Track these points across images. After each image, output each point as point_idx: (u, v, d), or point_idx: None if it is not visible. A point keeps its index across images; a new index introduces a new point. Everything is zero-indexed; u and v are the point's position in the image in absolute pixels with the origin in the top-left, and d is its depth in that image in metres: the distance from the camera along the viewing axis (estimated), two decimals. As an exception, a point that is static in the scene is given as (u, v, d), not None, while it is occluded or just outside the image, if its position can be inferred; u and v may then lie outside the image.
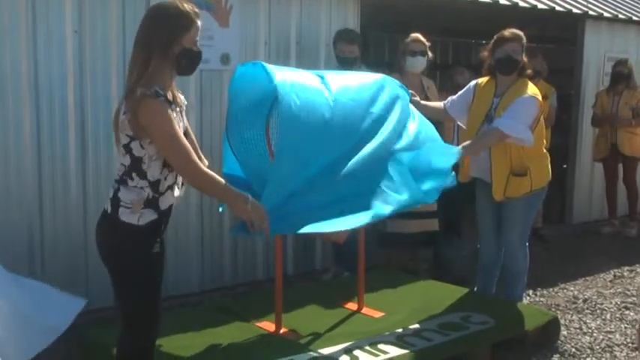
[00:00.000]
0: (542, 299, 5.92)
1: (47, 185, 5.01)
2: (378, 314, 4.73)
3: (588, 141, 8.79)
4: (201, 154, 3.34)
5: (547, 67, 7.73)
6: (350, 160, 3.95)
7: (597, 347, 4.90)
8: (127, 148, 3.12)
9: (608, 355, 4.80)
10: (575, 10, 8.30)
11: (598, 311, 5.66)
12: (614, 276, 6.74)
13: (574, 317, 5.49)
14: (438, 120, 5.32)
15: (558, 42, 9.92)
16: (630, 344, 4.95)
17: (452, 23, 9.07)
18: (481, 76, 5.32)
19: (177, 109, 3.24)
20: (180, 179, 3.29)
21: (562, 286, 6.33)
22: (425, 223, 6.10)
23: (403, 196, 4.12)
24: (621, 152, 8.31)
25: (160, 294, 3.36)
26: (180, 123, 3.19)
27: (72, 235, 5.10)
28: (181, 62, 3.19)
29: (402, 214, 4.65)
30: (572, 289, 6.26)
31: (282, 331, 4.36)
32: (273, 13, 6.01)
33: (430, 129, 4.68)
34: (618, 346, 4.93)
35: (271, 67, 3.83)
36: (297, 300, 4.88)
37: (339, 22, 6.36)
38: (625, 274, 6.82)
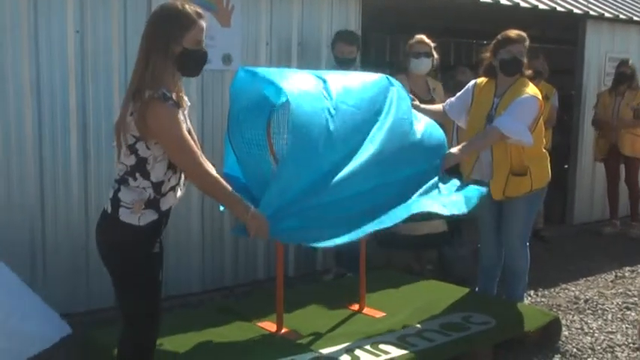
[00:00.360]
0: (543, 299, 5.92)
1: (49, 186, 5.01)
2: (379, 314, 4.73)
3: (589, 141, 8.79)
4: (204, 155, 3.35)
5: (548, 68, 7.73)
6: (352, 168, 3.95)
7: (598, 348, 4.90)
8: (133, 149, 3.12)
9: (609, 355, 4.80)
10: (576, 11, 8.30)
11: (599, 312, 5.66)
12: (616, 276, 6.73)
13: (575, 317, 5.49)
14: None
15: (559, 42, 9.92)
16: (631, 344, 4.95)
17: (453, 24, 9.08)
18: (480, 76, 5.32)
19: (184, 111, 3.25)
20: (182, 181, 3.30)
21: (563, 286, 6.33)
22: (433, 225, 6.10)
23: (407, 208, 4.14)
24: (622, 153, 8.32)
25: (161, 294, 3.36)
26: (183, 124, 3.19)
27: (73, 236, 5.10)
28: (183, 63, 3.19)
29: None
30: (573, 289, 6.26)
31: (283, 331, 4.35)
32: (275, 14, 6.01)
33: (436, 130, 4.71)
34: (619, 346, 4.93)
35: (274, 75, 3.83)
36: (299, 300, 4.88)
37: (341, 23, 6.37)
38: (626, 274, 6.82)
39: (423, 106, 5.14)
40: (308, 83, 4.00)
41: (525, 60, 5.09)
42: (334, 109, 3.94)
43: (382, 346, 4.18)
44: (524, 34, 5.10)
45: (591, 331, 5.22)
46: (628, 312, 5.67)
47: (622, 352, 4.83)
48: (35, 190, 4.97)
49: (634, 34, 9.16)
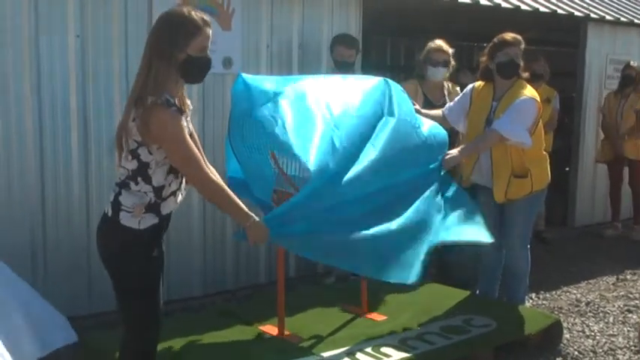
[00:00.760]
0: (544, 302, 5.92)
1: (50, 187, 5.02)
2: (380, 317, 4.73)
3: (591, 144, 8.79)
4: (205, 159, 3.36)
5: (549, 71, 7.73)
6: (355, 172, 3.96)
7: (600, 350, 4.90)
8: (135, 154, 3.13)
9: (610, 358, 4.79)
10: (577, 13, 8.31)
11: (601, 314, 5.65)
12: (617, 279, 6.73)
13: (577, 320, 5.49)
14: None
15: (560, 45, 9.92)
16: (633, 347, 4.95)
17: (453, 26, 9.07)
18: (478, 79, 5.33)
19: (187, 117, 3.26)
20: (183, 185, 3.31)
21: (565, 289, 6.33)
22: None
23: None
24: (626, 156, 8.33)
25: (160, 297, 3.36)
26: (186, 130, 3.20)
27: (74, 237, 5.11)
28: (187, 70, 3.18)
29: None
30: (574, 292, 6.26)
31: (284, 334, 4.36)
32: (275, 17, 6.02)
33: (439, 130, 4.72)
34: (621, 349, 4.93)
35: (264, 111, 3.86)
36: (300, 303, 4.89)
37: (341, 26, 6.37)
38: (628, 277, 6.82)
39: (423, 111, 5.14)
40: (306, 103, 4.01)
41: (522, 62, 5.09)
42: (336, 126, 3.94)
43: (383, 349, 4.18)
44: (519, 36, 5.11)
45: (593, 333, 5.22)
46: (629, 315, 5.67)
47: (623, 355, 4.83)
48: (36, 190, 4.97)
49: (635, 36, 9.16)
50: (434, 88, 6.07)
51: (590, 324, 5.42)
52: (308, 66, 6.13)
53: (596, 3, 9.06)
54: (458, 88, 6.40)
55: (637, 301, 6.03)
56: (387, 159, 4.14)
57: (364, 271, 4.21)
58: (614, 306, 5.87)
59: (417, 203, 4.27)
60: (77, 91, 5.06)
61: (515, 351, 4.64)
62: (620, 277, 6.80)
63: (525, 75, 5.12)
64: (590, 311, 5.72)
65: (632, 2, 9.92)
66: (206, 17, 3.22)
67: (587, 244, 8.13)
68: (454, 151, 4.82)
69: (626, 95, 8.27)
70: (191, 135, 3.28)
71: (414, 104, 4.84)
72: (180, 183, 3.28)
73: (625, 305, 5.89)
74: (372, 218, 3.97)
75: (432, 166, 4.61)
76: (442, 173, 4.69)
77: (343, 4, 6.41)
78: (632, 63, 8.32)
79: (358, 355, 4.11)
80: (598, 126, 8.72)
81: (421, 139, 4.49)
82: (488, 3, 7.38)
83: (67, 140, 5.05)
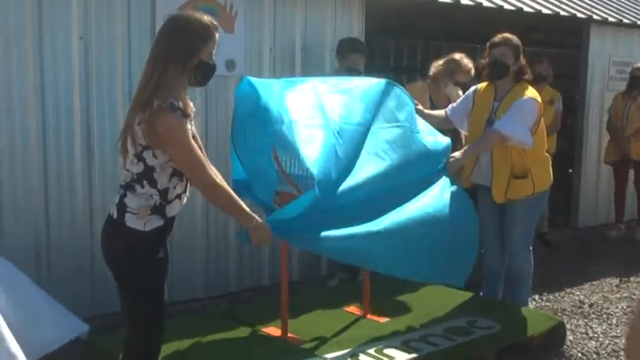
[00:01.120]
0: (547, 304, 5.92)
1: (53, 188, 5.03)
2: (383, 319, 4.74)
3: (594, 145, 8.79)
4: (209, 162, 3.36)
5: (552, 72, 7.73)
6: (356, 176, 3.98)
7: (603, 352, 4.90)
8: (140, 157, 3.14)
9: (614, 359, 4.79)
10: (579, 15, 8.30)
11: (604, 316, 5.65)
12: (621, 280, 6.72)
13: (580, 322, 5.49)
14: (447, 128, 5.31)
15: (563, 47, 9.92)
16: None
17: (456, 28, 9.08)
18: (482, 80, 5.35)
19: (191, 121, 3.27)
20: (187, 188, 3.32)
21: (568, 290, 6.33)
22: None
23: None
24: (631, 158, 8.32)
25: (164, 299, 3.37)
26: (190, 133, 3.21)
27: (78, 239, 5.12)
28: (197, 75, 3.21)
29: None
30: (578, 293, 6.26)
31: (287, 336, 4.36)
32: (278, 19, 6.02)
33: (440, 135, 4.73)
34: (624, 350, 4.92)
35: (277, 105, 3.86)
36: (303, 306, 4.89)
37: (344, 29, 6.37)
38: (631, 278, 6.81)
39: (426, 111, 5.15)
40: (308, 108, 4.02)
41: (521, 62, 5.09)
42: (339, 133, 3.95)
43: (386, 351, 4.19)
44: (510, 36, 5.11)
45: (596, 335, 5.21)
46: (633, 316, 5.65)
47: (627, 357, 4.82)
48: (40, 192, 4.98)
49: (638, 38, 9.16)
50: (441, 95, 6.09)
51: (594, 326, 5.41)
52: (311, 69, 6.14)
53: (599, 4, 9.06)
54: (460, 92, 6.41)
55: (640, 303, 6.01)
56: (388, 165, 4.16)
57: (366, 263, 4.22)
58: (617, 307, 5.87)
59: (418, 204, 4.30)
60: (80, 92, 5.07)
61: (519, 353, 4.64)
62: (624, 278, 6.79)
63: (527, 76, 5.13)
64: (593, 313, 5.72)
65: (635, 4, 9.92)
66: (215, 22, 3.24)
67: (591, 246, 8.13)
68: (457, 154, 4.83)
69: (633, 97, 8.27)
70: (194, 137, 3.29)
71: (416, 104, 4.85)
72: (185, 186, 3.29)
73: (628, 307, 5.89)
74: (371, 218, 4.00)
75: (435, 170, 4.62)
76: (447, 177, 4.70)
77: (346, 7, 6.41)
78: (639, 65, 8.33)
79: (361, 356, 4.11)
80: (601, 127, 8.72)
81: (422, 143, 4.50)
82: (491, 5, 7.39)
83: (70, 141, 5.06)
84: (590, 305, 5.91)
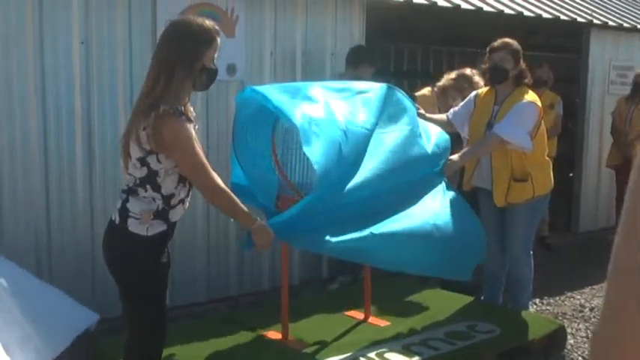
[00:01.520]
0: (548, 308, 5.92)
1: (54, 191, 5.04)
2: (384, 323, 4.73)
3: (594, 149, 8.79)
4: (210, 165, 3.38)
5: (553, 77, 7.74)
6: (357, 179, 3.99)
7: (604, 356, 4.88)
8: (144, 162, 3.14)
9: (614, 363, 4.78)
10: (580, 19, 8.31)
11: (605, 320, 5.64)
12: (621, 284, 6.71)
13: (581, 326, 5.49)
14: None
15: (563, 51, 9.94)
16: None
17: (457, 32, 9.10)
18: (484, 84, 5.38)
19: (196, 126, 3.29)
20: (190, 193, 3.33)
21: (568, 294, 6.32)
22: None
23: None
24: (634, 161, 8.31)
25: (166, 303, 3.38)
26: (194, 137, 3.22)
27: (79, 242, 5.13)
28: (200, 79, 3.22)
29: None
30: (578, 297, 6.26)
31: (288, 340, 4.36)
32: (279, 24, 6.04)
33: (441, 136, 4.73)
34: (625, 354, 4.92)
35: (285, 103, 3.84)
36: (304, 309, 4.89)
37: (345, 33, 6.39)
38: (632, 282, 6.80)
39: (428, 115, 5.16)
40: (317, 106, 4.02)
41: (521, 66, 5.10)
42: (345, 134, 3.97)
43: (387, 355, 4.18)
44: (509, 41, 5.13)
45: (597, 339, 5.20)
46: (633, 320, 5.66)
47: (628, 361, 4.82)
48: (41, 195, 4.99)
49: (638, 42, 9.16)
50: (448, 107, 6.12)
51: (595, 330, 5.40)
52: (311, 73, 6.15)
53: (599, 9, 9.07)
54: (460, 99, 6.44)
55: (641, 307, 6.01)
56: (389, 168, 4.17)
57: (369, 260, 4.22)
58: (618, 311, 5.86)
59: (418, 206, 4.33)
60: (81, 94, 5.09)
61: (519, 357, 4.63)
62: (624, 282, 6.78)
63: (527, 80, 5.14)
64: (594, 317, 5.72)
65: (635, 8, 9.93)
66: (217, 26, 3.26)
67: (591, 250, 8.12)
68: (455, 157, 4.83)
69: (636, 102, 8.27)
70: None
71: (418, 108, 4.85)
72: (188, 190, 3.31)
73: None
74: (373, 216, 4.02)
75: (433, 171, 4.63)
76: (443, 180, 4.71)
77: (347, 12, 6.43)
78: None
79: (362, 360, 4.12)
80: (602, 131, 8.72)
81: (422, 147, 4.51)
82: (491, 9, 7.40)
83: (71, 143, 5.07)
84: (591, 309, 5.91)
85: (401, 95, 4.57)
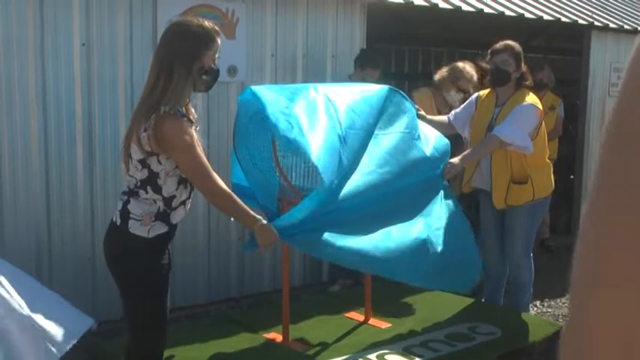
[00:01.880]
0: (549, 310, 5.91)
1: (55, 196, 5.04)
2: (385, 325, 4.74)
3: (595, 151, 8.78)
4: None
5: (554, 79, 7.74)
6: (356, 181, 4.00)
7: (604, 358, 4.88)
8: (144, 163, 3.15)
9: (615, 365, 4.77)
10: (580, 21, 8.31)
11: (605, 322, 5.63)
12: (622, 286, 6.70)
13: (581, 328, 5.47)
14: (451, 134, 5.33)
15: (564, 53, 9.94)
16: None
17: (459, 34, 9.10)
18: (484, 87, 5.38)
19: (197, 127, 3.29)
20: (192, 194, 3.33)
21: (569, 296, 6.30)
22: None
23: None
24: None
25: (167, 305, 3.38)
26: (195, 139, 3.23)
27: (79, 246, 5.12)
28: (201, 80, 3.22)
29: None
30: (579, 299, 6.24)
31: (289, 341, 4.36)
32: (280, 26, 6.04)
33: (441, 140, 4.74)
34: (626, 356, 4.91)
35: (279, 115, 3.84)
36: (304, 311, 4.89)
37: (346, 35, 6.39)
38: (632, 284, 6.79)
39: (429, 117, 5.16)
40: (315, 112, 4.02)
41: (522, 69, 5.10)
42: (344, 139, 3.97)
43: (388, 357, 4.18)
44: (511, 43, 5.12)
45: (597, 341, 5.19)
46: (634, 322, 5.65)
47: (628, 363, 4.81)
48: (41, 199, 4.99)
49: (639, 44, 9.15)
50: (444, 103, 6.14)
51: (595, 332, 5.39)
52: (312, 74, 6.15)
53: (600, 11, 9.07)
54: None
55: (642, 309, 6.00)
56: (388, 170, 4.18)
57: (367, 268, 4.23)
58: (618, 313, 5.85)
59: (418, 209, 4.34)
60: (82, 97, 5.08)
61: (520, 359, 4.63)
62: (625, 284, 6.77)
63: (528, 82, 5.14)
64: (594, 319, 5.70)
65: (636, 10, 9.93)
66: (216, 27, 3.26)
67: (592, 252, 8.10)
68: (455, 160, 4.83)
69: None
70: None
71: (418, 110, 4.86)
72: (190, 192, 3.30)
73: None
74: (373, 221, 4.02)
75: (433, 174, 4.63)
76: (444, 184, 4.72)
77: (347, 13, 6.43)
78: None
79: (363, 362, 4.12)
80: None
81: (421, 149, 4.52)
82: (492, 11, 7.40)
83: (71, 146, 5.07)
84: (592, 311, 5.89)
85: (402, 97, 4.57)
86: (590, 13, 8.68)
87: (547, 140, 5.32)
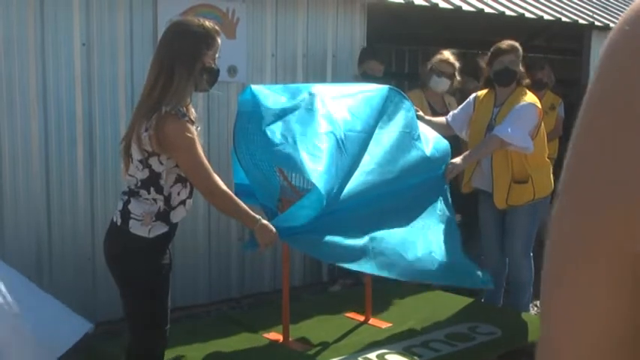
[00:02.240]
0: (549, 310, 5.89)
1: (55, 196, 5.04)
2: (385, 325, 4.74)
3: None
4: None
5: (554, 78, 7.73)
6: (355, 182, 4.00)
7: (605, 358, 4.88)
8: (146, 164, 3.15)
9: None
10: (581, 21, 8.31)
11: (606, 322, 5.62)
12: (622, 286, 6.70)
13: (582, 328, 5.46)
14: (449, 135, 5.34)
15: (564, 53, 9.93)
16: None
17: (459, 34, 9.10)
18: (481, 87, 5.38)
19: (198, 127, 3.29)
20: (192, 194, 3.34)
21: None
22: None
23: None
24: None
25: (168, 304, 3.38)
26: (196, 139, 3.23)
27: (79, 246, 5.13)
28: (202, 80, 3.22)
29: None
30: (579, 299, 6.23)
31: (289, 341, 4.36)
32: (280, 25, 6.04)
33: (440, 141, 4.74)
34: (626, 356, 4.91)
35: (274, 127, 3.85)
36: (305, 311, 4.89)
37: (346, 35, 6.39)
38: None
39: (427, 118, 5.17)
40: (322, 123, 4.02)
41: (520, 69, 5.11)
42: (343, 141, 3.97)
43: (388, 357, 4.18)
44: (515, 44, 5.14)
45: (598, 341, 5.19)
46: (635, 322, 5.64)
47: (629, 362, 4.81)
48: (42, 199, 4.99)
49: (639, 44, 9.15)
50: (435, 97, 6.15)
51: (595, 331, 5.39)
52: (312, 74, 6.15)
53: (601, 10, 9.07)
54: (454, 98, 6.45)
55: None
56: (389, 171, 4.19)
57: (365, 268, 4.24)
58: (619, 313, 5.84)
59: (418, 210, 4.34)
60: (82, 98, 5.09)
61: (520, 359, 4.63)
62: (626, 284, 6.77)
63: (526, 82, 5.15)
64: (595, 319, 5.69)
65: (637, 10, 9.90)
66: (217, 27, 3.27)
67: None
68: (457, 160, 4.83)
69: None
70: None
71: (417, 111, 4.86)
72: (190, 191, 3.30)
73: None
74: (373, 222, 4.03)
75: (434, 175, 4.63)
76: (445, 186, 4.73)
77: (348, 13, 6.43)
78: None
79: (363, 362, 4.12)
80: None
81: (421, 149, 4.52)
82: (493, 11, 7.39)
83: (72, 146, 5.07)
84: (592, 311, 5.88)
85: (402, 98, 4.58)
86: (590, 13, 8.68)
87: (547, 140, 5.32)
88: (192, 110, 3.34)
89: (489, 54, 5.20)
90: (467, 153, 4.97)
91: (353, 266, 4.22)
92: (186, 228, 5.38)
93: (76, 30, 5.02)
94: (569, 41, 9.35)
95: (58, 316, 4.20)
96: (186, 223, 5.20)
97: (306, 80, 6.00)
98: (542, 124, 5.14)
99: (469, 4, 7.19)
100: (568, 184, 0.76)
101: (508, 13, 7.52)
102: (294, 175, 4.07)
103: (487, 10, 7.32)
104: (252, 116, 3.99)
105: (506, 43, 5.13)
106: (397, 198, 4.27)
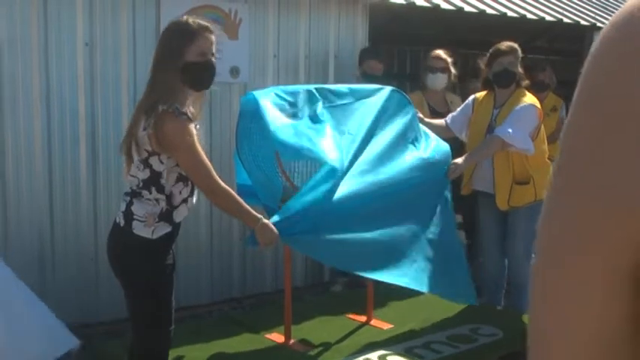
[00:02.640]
0: (550, 311, 5.89)
1: (58, 196, 5.04)
2: (386, 326, 4.74)
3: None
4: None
5: (556, 80, 7.73)
6: (353, 183, 4.01)
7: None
8: (146, 163, 3.15)
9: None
10: (583, 22, 8.31)
11: (607, 323, 5.63)
12: (623, 288, 6.69)
13: (583, 329, 5.47)
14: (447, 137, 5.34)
15: (566, 54, 9.93)
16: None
17: (461, 35, 9.10)
18: (480, 89, 5.38)
19: (197, 125, 3.29)
20: (195, 193, 3.34)
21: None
22: None
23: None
24: None
25: (172, 305, 3.38)
26: (196, 137, 3.23)
27: (82, 246, 5.13)
28: (187, 76, 3.22)
29: None
30: (580, 300, 6.23)
31: (291, 342, 4.37)
32: (282, 26, 6.04)
33: (441, 143, 4.74)
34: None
35: (283, 128, 3.84)
36: (306, 312, 4.90)
37: (348, 36, 6.39)
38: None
39: (427, 120, 5.17)
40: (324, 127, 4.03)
41: (519, 70, 5.12)
42: (343, 142, 3.97)
43: (389, 358, 4.19)
44: (515, 45, 5.14)
45: (598, 342, 5.19)
46: (636, 324, 5.64)
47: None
48: (44, 200, 4.99)
49: (641, 45, 9.14)
50: (436, 97, 6.16)
51: (596, 333, 5.39)
52: (314, 75, 6.15)
53: (603, 11, 9.07)
54: (459, 97, 6.46)
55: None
56: (389, 172, 4.20)
57: (364, 271, 4.25)
58: (620, 315, 5.84)
59: (417, 214, 4.35)
60: (85, 97, 5.09)
61: (522, 360, 4.63)
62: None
63: (525, 83, 5.15)
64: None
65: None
66: (205, 23, 3.27)
67: (593, 253, 8.10)
68: (459, 161, 4.84)
69: None
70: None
71: (417, 112, 4.87)
72: (191, 190, 3.31)
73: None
74: (373, 223, 4.03)
75: (436, 176, 4.63)
76: (446, 190, 4.74)
77: (350, 14, 6.43)
78: None
79: (364, 363, 4.12)
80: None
81: (422, 151, 4.53)
82: (494, 12, 7.40)
83: (75, 146, 5.07)
84: (593, 312, 5.89)
85: (403, 99, 4.59)
86: (592, 15, 8.69)
87: (549, 142, 5.33)
88: (191, 108, 3.34)
89: (488, 55, 5.19)
90: (468, 154, 4.98)
91: (351, 269, 4.23)
92: (189, 229, 5.39)
93: (79, 30, 5.03)
94: (570, 42, 9.35)
95: (47, 328, 4.18)
96: (189, 223, 5.21)
97: (308, 81, 6.00)
98: (542, 125, 5.14)
99: (471, 5, 7.20)
100: (560, 181, 0.79)
101: (510, 14, 7.53)
102: (296, 175, 4.08)
103: (489, 11, 7.32)
104: (255, 116, 4.00)
105: (505, 45, 5.14)
106: (397, 199, 4.27)
